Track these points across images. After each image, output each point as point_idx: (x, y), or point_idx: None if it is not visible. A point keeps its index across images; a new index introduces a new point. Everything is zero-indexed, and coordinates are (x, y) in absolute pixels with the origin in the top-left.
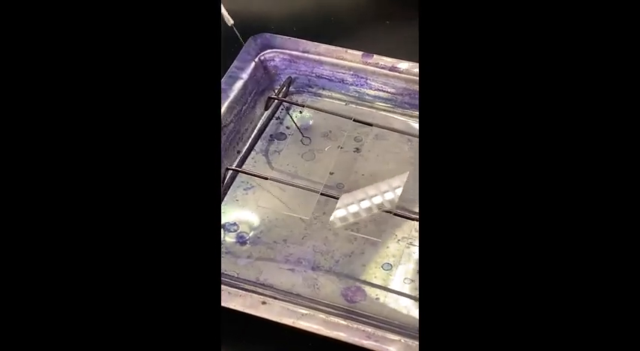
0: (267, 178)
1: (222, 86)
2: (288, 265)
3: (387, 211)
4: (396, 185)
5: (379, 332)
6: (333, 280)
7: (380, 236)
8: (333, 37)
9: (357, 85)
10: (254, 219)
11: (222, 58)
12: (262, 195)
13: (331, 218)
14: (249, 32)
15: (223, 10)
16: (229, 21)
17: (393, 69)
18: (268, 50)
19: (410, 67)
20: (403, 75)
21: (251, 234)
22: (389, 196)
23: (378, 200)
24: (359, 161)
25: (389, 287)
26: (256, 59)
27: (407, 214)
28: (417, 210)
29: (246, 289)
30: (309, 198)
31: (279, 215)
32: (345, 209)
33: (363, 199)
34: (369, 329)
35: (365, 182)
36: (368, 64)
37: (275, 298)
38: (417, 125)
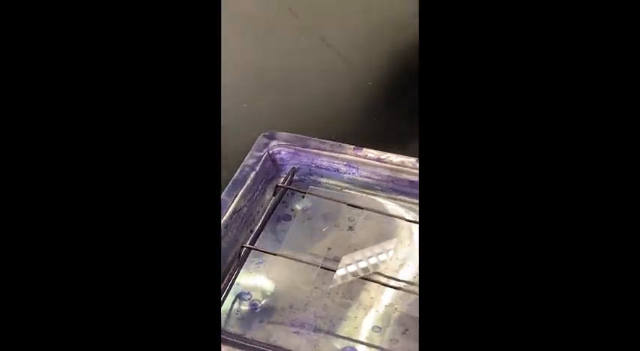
0: (275, 255)
1: (237, 176)
2: (294, 328)
3: (374, 281)
4: (383, 259)
5: None
6: (332, 341)
7: (370, 303)
8: (330, 133)
9: (349, 174)
10: (265, 289)
11: (238, 151)
12: (272, 268)
13: (329, 288)
14: (260, 129)
15: None
16: None
17: (379, 160)
18: (275, 145)
19: (393, 158)
20: (387, 165)
21: (262, 302)
22: (377, 266)
23: (368, 271)
24: (352, 238)
25: (379, 346)
26: (265, 153)
27: (393, 284)
28: (400, 278)
29: (258, 350)
30: (310, 270)
31: (285, 285)
32: (341, 280)
33: (355, 271)
34: None
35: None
36: (358, 156)
37: None
38: (400, 207)
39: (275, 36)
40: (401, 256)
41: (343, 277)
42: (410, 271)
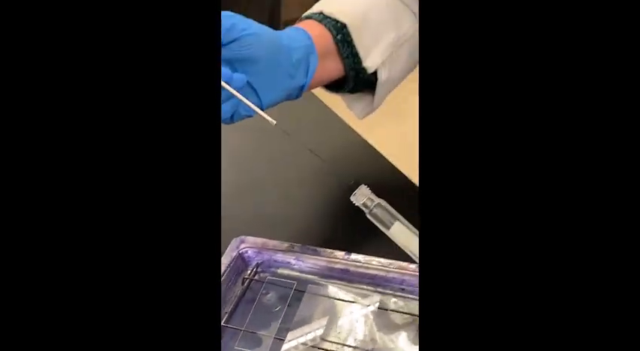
0: (241, 330)
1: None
2: None
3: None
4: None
5: None
6: None
7: None
8: (285, 235)
9: (297, 265)
10: None
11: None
12: (241, 342)
13: None
14: (233, 234)
15: (262, 113)
16: (272, 121)
17: (317, 254)
18: (243, 246)
19: (328, 253)
20: (324, 258)
21: None
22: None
23: (315, 341)
24: (300, 314)
25: None
26: (236, 252)
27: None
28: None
29: None
30: (269, 340)
31: None
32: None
33: (304, 342)
34: None
35: (306, 327)
36: (303, 252)
37: None
38: (334, 290)
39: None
40: (341, 325)
41: (295, 347)
42: (348, 337)
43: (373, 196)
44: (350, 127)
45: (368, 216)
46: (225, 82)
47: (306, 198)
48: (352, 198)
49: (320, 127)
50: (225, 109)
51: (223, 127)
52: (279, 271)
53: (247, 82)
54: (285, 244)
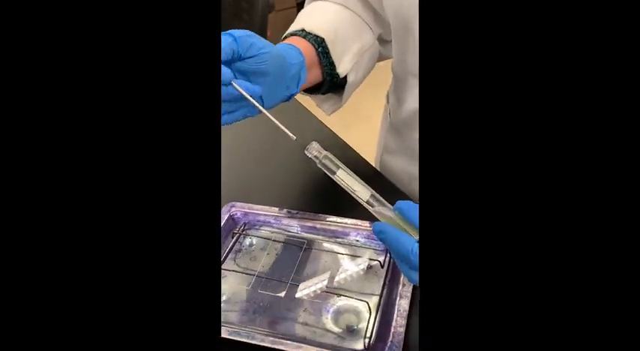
0: (231, 271)
1: None
2: (240, 311)
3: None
4: (294, 270)
5: (286, 341)
6: (258, 317)
7: (282, 294)
8: (266, 199)
9: (276, 224)
10: (227, 291)
11: None
12: (231, 279)
13: (260, 289)
14: (226, 200)
15: (285, 129)
16: (293, 137)
17: (292, 215)
18: (234, 210)
19: (297, 214)
20: (296, 218)
21: (225, 298)
22: (288, 275)
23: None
24: (275, 260)
25: (289, 318)
26: (228, 214)
27: (298, 283)
28: (305, 283)
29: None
30: (253, 279)
31: (237, 288)
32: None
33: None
34: (279, 340)
35: (277, 269)
36: (280, 213)
37: (235, 330)
38: (306, 237)
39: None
40: (308, 269)
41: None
42: (305, 277)
43: (322, 150)
44: (324, 124)
45: (318, 165)
46: (248, 94)
47: (283, 173)
48: (306, 151)
49: (299, 125)
50: (238, 116)
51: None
52: (262, 228)
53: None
54: (265, 207)
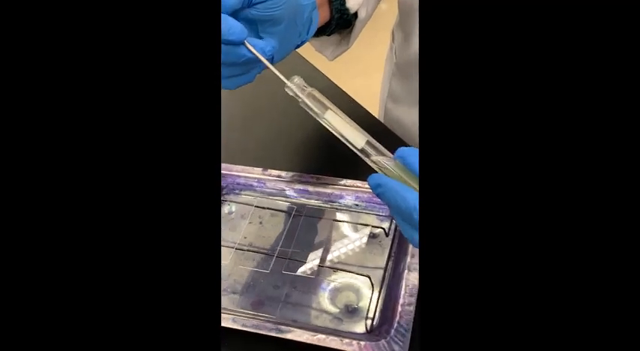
0: None
1: None
2: (222, 290)
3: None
4: (282, 241)
5: (273, 325)
6: (244, 297)
7: (268, 269)
8: (247, 160)
9: (260, 188)
10: None
11: None
12: None
13: (242, 264)
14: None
15: (284, 78)
16: (287, 81)
17: (278, 177)
18: None
19: (285, 175)
20: (284, 179)
21: None
22: (276, 247)
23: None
24: (260, 230)
25: (278, 299)
26: None
27: (288, 257)
28: (289, 254)
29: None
30: (232, 252)
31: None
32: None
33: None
34: (265, 323)
35: (262, 240)
36: (265, 174)
37: None
38: (295, 206)
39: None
40: (299, 240)
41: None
42: (295, 250)
43: (306, 86)
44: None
45: (301, 105)
46: (260, 54)
47: (268, 128)
48: (285, 88)
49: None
50: (249, 78)
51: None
52: (243, 192)
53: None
54: (248, 168)
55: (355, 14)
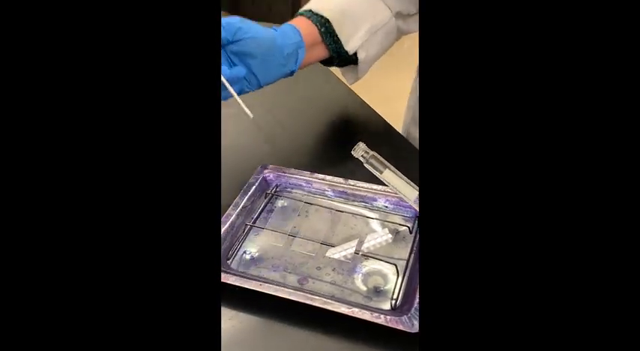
0: (264, 229)
1: (245, 188)
2: (273, 268)
3: (323, 244)
4: (323, 230)
5: (313, 297)
6: (293, 275)
7: (314, 253)
8: (297, 164)
9: (307, 188)
10: (259, 248)
11: (247, 175)
12: (262, 237)
13: (292, 247)
14: (258, 162)
15: (244, 106)
16: (250, 114)
17: (322, 179)
18: (266, 172)
19: (330, 178)
20: (327, 182)
21: (257, 255)
22: (320, 236)
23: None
24: (307, 221)
25: (318, 277)
26: (261, 176)
27: (327, 243)
28: (331, 242)
29: (253, 279)
30: (283, 237)
31: (269, 246)
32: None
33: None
34: (308, 295)
35: (309, 230)
36: (312, 177)
37: (266, 283)
38: (333, 203)
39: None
40: (333, 230)
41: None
42: (336, 238)
43: (368, 150)
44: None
45: (365, 165)
46: (227, 76)
47: (315, 138)
48: (352, 152)
49: (322, 87)
50: (235, 91)
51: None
52: (293, 191)
53: (249, 69)
54: (298, 171)
55: (356, 55)
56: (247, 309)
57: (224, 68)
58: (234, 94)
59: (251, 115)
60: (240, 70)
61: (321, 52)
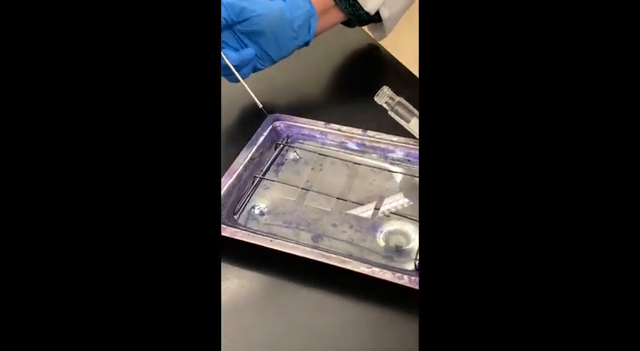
0: (274, 181)
1: (253, 139)
2: (285, 224)
3: (339, 198)
4: (339, 185)
5: (328, 255)
6: (306, 232)
7: (330, 209)
8: (309, 113)
9: (321, 138)
10: (269, 202)
11: (255, 124)
12: (273, 190)
13: (306, 202)
14: (268, 111)
15: (256, 100)
16: (259, 105)
17: (338, 130)
18: (277, 121)
19: (347, 129)
20: (343, 133)
21: (267, 210)
22: (336, 191)
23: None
24: (321, 175)
25: (333, 236)
26: (271, 126)
27: (343, 198)
28: (348, 197)
29: (263, 235)
30: (295, 191)
31: (281, 200)
32: (314, 198)
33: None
34: (323, 253)
35: (324, 184)
36: (326, 128)
37: (277, 239)
38: (350, 156)
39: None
40: (350, 185)
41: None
42: (353, 193)
43: (394, 95)
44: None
45: (390, 113)
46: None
47: (331, 86)
48: (376, 98)
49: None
50: (247, 71)
51: None
52: (306, 142)
53: (260, 47)
54: (311, 121)
55: (378, 14)
56: (256, 267)
57: (231, 53)
58: (243, 83)
59: (260, 105)
60: (249, 52)
61: (337, 16)
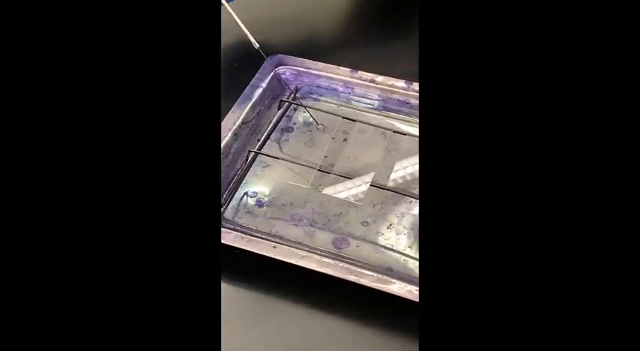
0: (278, 158)
1: (246, 92)
2: (293, 221)
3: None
4: (373, 164)
5: (357, 270)
6: (326, 232)
7: (360, 201)
8: (328, 56)
9: (345, 93)
10: (269, 188)
11: (248, 71)
12: (275, 171)
13: (324, 189)
14: (267, 53)
15: (250, 36)
16: (255, 44)
17: (372, 81)
18: (281, 67)
19: (384, 80)
20: (379, 86)
21: (266, 199)
22: (368, 172)
23: (360, 176)
24: (346, 148)
25: (366, 238)
26: (272, 73)
27: (379, 185)
28: (386, 183)
29: (261, 238)
30: (309, 173)
31: (287, 185)
32: (336, 183)
33: (349, 176)
34: (351, 267)
35: (350, 162)
36: (353, 78)
37: (282, 244)
38: (389, 121)
39: None
40: (388, 164)
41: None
42: (393, 176)
43: None
44: None
45: None
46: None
47: (356, 20)
48: None
49: None
50: None
51: None
52: (323, 98)
53: None
54: (331, 67)
55: None
56: (253, 283)
57: None
58: (227, 6)
59: (257, 46)
60: None
61: None
